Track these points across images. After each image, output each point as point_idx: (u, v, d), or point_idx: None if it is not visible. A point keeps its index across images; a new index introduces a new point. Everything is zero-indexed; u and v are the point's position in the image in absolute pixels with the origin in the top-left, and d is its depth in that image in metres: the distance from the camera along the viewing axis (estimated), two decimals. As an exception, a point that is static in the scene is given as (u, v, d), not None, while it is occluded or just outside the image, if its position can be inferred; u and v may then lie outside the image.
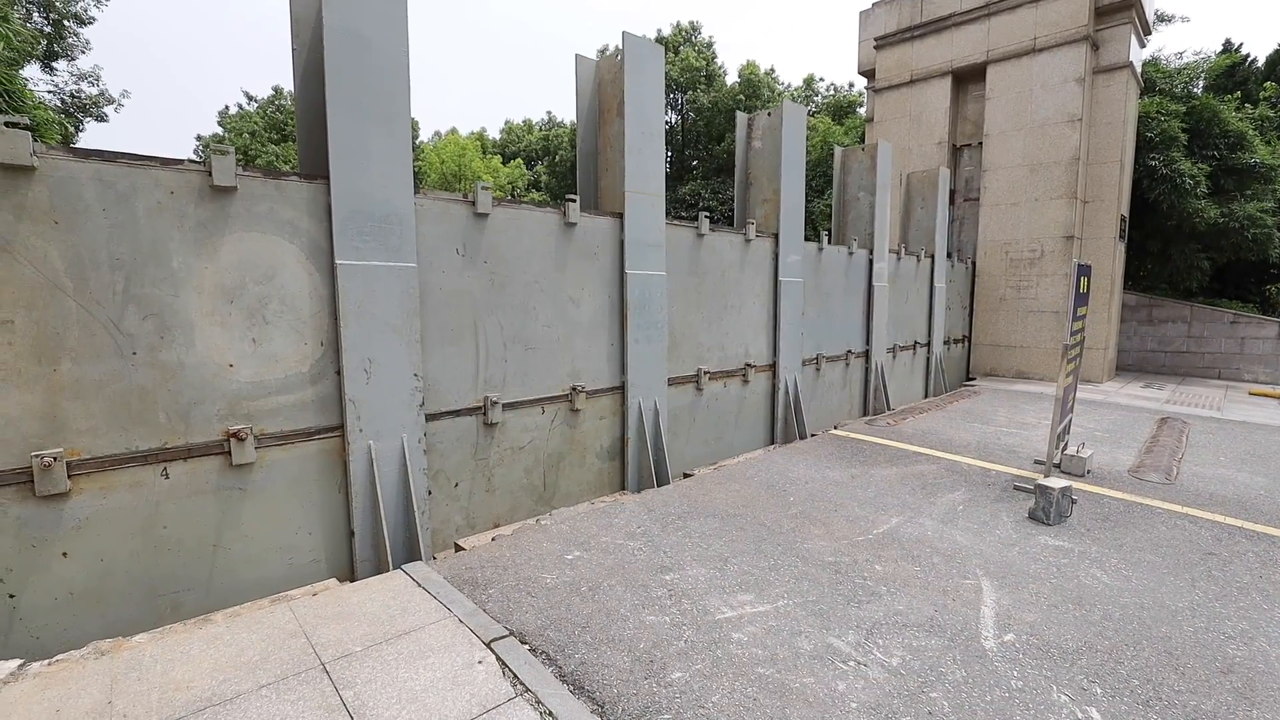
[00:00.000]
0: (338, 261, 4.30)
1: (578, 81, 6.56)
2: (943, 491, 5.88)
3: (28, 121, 3.32)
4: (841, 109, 28.96)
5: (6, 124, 3.24)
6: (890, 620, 3.64)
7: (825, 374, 9.59)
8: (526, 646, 3.29)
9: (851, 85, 31.16)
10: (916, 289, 11.84)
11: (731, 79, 28.38)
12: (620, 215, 6.22)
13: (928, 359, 12.42)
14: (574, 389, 5.92)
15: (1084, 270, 6.20)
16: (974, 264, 13.87)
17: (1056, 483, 5.13)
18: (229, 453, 4.02)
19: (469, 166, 29.36)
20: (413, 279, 4.64)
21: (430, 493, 4.95)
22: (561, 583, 3.97)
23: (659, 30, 29.18)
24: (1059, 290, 12.67)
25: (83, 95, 19.90)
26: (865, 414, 10.63)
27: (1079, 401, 10.37)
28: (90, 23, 19.45)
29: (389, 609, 3.60)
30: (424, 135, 38.86)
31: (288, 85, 34.00)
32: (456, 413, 5.15)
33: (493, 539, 4.77)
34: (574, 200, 5.77)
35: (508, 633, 3.39)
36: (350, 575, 4.64)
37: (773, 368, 8.44)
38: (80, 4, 19.27)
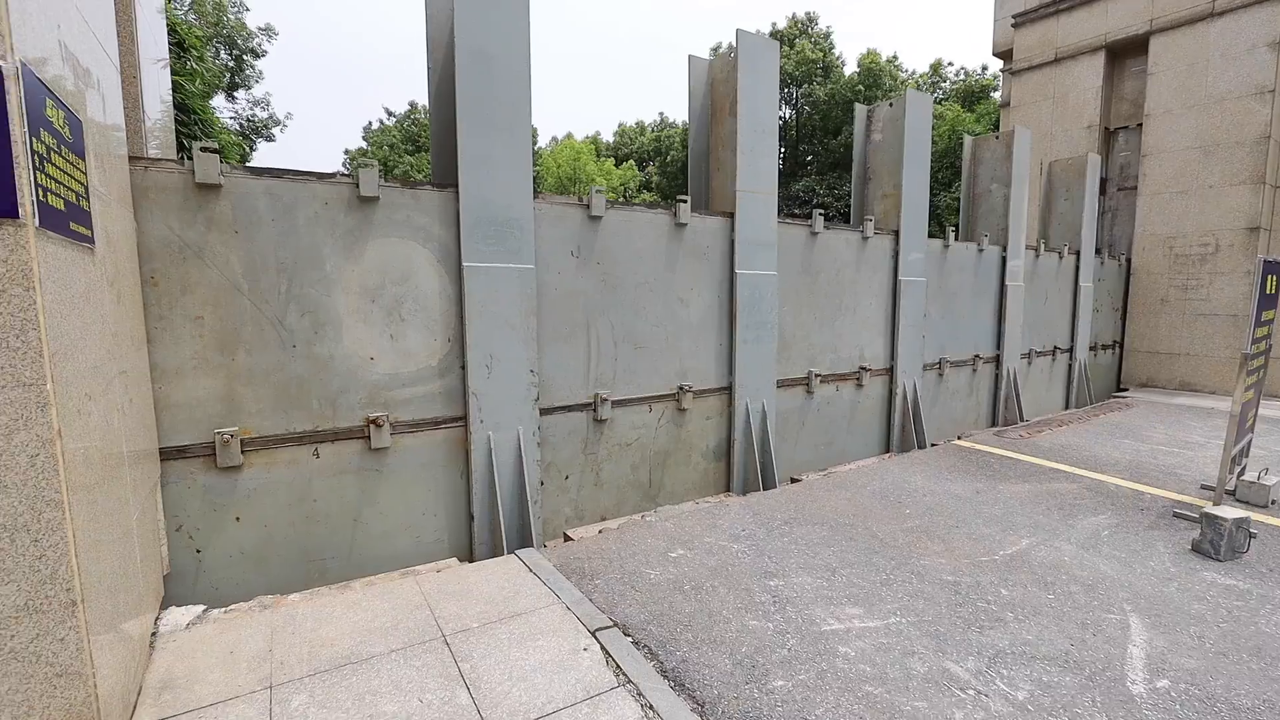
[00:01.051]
0: (464, 264, 4.62)
1: (690, 82, 6.58)
2: (1084, 514, 5.31)
3: (217, 146, 3.86)
4: (972, 95, 26.91)
5: (202, 149, 3.78)
6: (1017, 650, 3.36)
7: (949, 380, 8.97)
8: (629, 639, 3.37)
9: (985, 68, 28.87)
10: (1058, 289, 10.76)
11: (850, 69, 27.23)
12: (731, 215, 6.18)
13: (1069, 366, 11.26)
14: (681, 388, 5.96)
15: (1272, 267, 5.35)
16: (1128, 261, 12.38)
17: (1230, 512, 4.47)
18: (368, 437, 4.44)
19: (583, 170, 30.35)
20: (531, 280, 4.88)
21: (542, 483, 5.19)
22: (665, 579, 4.02)
23: (774, 24, 28.55)
24: (1238, 290, 11.00)
25: (256, 119, 22.71)
26: (993, 424, 9.83)
27: (1262, 420, 8.95)
28: (263, 55, 22.17)
29: (503, 590, 3.82)
30: (542, 141, 40.65)
31: (422, 99, 36.84)
32: (568, 408, 5.35)
33: (600, 531, 4.92)
34: (685, 201, 5.81)
35: (611, 623, 3.48)
36: (469, 556, 4.97)
37: (890, 371, 8.02)
38: (256, 40, 22.04)
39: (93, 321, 2.63)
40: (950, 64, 31.20)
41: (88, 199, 2.68)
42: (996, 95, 26.95)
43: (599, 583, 3.97)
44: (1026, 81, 13.78)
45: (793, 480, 6.85)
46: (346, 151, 36.45)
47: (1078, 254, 10.95)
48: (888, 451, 8.12)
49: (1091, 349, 11.83)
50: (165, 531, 3.87)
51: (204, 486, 4.00)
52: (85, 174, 2.67)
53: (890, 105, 7.99)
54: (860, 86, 25.39)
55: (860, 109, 8.36)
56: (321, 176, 4.20)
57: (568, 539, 5.20)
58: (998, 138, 9.64)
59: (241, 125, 22.19)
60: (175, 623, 3.49)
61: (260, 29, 22.08)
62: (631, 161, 35.78)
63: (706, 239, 6.06)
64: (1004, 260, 9.50)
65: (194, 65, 7.78)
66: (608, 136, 40.43)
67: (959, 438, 8.47)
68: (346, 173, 4.29)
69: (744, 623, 3.56)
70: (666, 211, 5.79)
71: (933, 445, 8.12)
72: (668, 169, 32.17)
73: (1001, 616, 3.70)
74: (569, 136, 38.44)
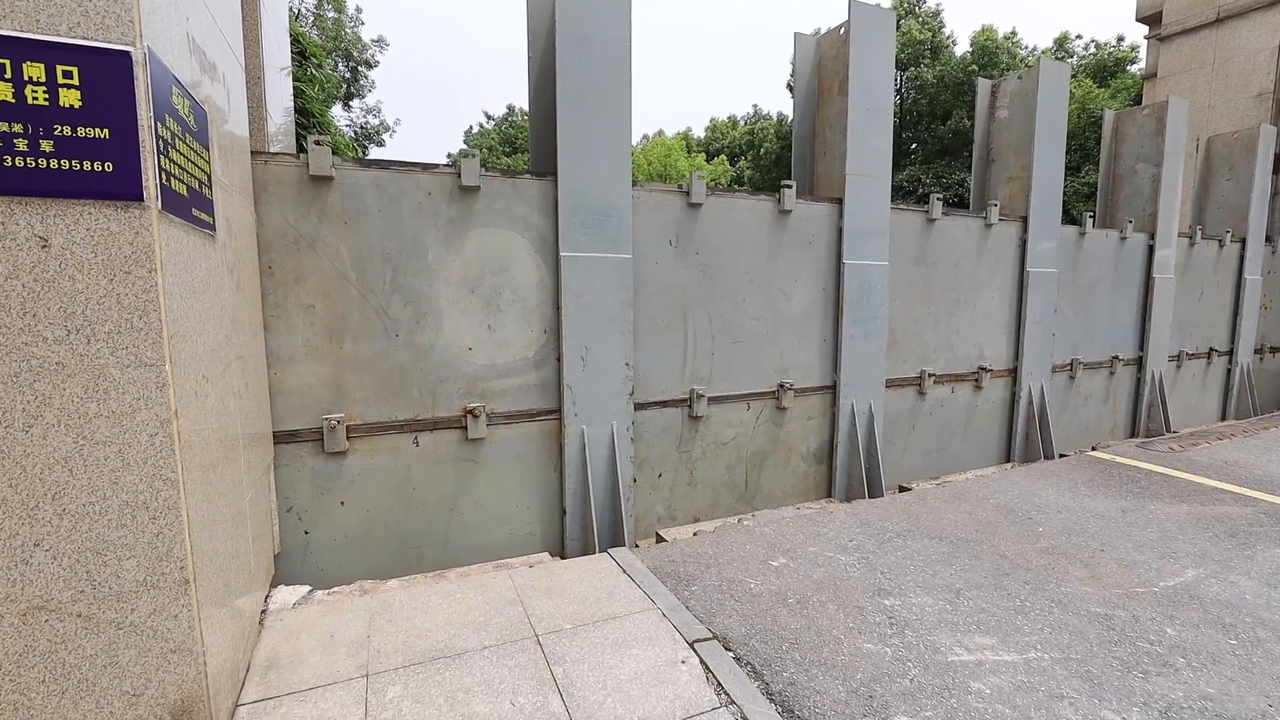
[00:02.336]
0: (561, 254, 4.52)
1: (796, 60, 6.20)
2: (1265, 544, 4.51)
3: (329, 140, 3.95)
4: (1105, 69, 24.34)
5: (315, 142, 3.88)
6: (1196, 705, 2.82)
7: (1081, 383, 8.03)
8: (730, 654, 3.12)
9: (1121, 39, 26.03)
10: (1216, 282, 9.41)
11: (962, 49, 25.37)
12: (839, 201, 5.75)
13: (1229, 371, 9.83)
14: (781, 386, 5.62)
15: None
16: (1308, 250, 10.65)
17: None
18: (465, 427, 4.45)
19: (674, 166, 30.15)
20: (628, 270, 4.72)
21: (635, 480, 5.03)
22: (767, 590, 3.74)
23: (879, 5, 27.08)
24: None
25: (369, 126, 24.19)
26: (1133, 434, 8.72)
27: None
28: (375, 65, 23.57)
29: (596, 591, 3.68)
30: (633, 139, 40.83)
31: (520, 103, 37.95)
32: (663, 404, 5.16)
33: (694, 533, 4.69)
34: (789, 186, 5.46)
35: (711, 635, 3.25)
36: (560, 550, 4.89)
37: (1013, 373, 7.26)
38: (370, 52, 23.47)
39: (212, 307, 2.70)
40: (1078, 37, 28.38)
41: (210, 187, 2.75)
42: (1135, 69, 24.23)
43: (695, 589, 3.75)
44: (1178, 47, 12.18)
45: (901, 489, 6.33)
46: (449, 155, 38.26)
47: (1242, 242, 9.52)
48: (1008, 461, 7.36)
49: (1257, 352, 10.28)
50: (277, 512, 4.03)
51: (312, 470, 4.12)
52: (209, 163, 2.74)
53: (1020, 79, 7.21)
54: (974, 67, 23.55)
55: (983, 84, 7.61)
56: (425, 167, 4.23)
57: (660, 539, 5.02)
58: (1147, 110, 8.52)
59: (355, 132, 23.69)
60: (283, 602, 3.60)
61: (373, 40, 23.50)
62: (723, 156, 35.18)
63: (812, 227, 5.67)
64: (1151, 249, 8.39)
65: (314, 72, 8.24)
66: (699, 132, 40.01)
67: (1093, 449, 7.56)
68: (450, 163, 4.29)
69: (857, 645, 3.22)
70: (769, 198, 5.46)
71: (1063, 456, 7.28)
72: (761, 162, 31.36)
73: (1170, 661, 3.14)
74: (660, 134, 38.38)
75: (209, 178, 2.74)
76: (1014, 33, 25.69)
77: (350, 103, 23.35)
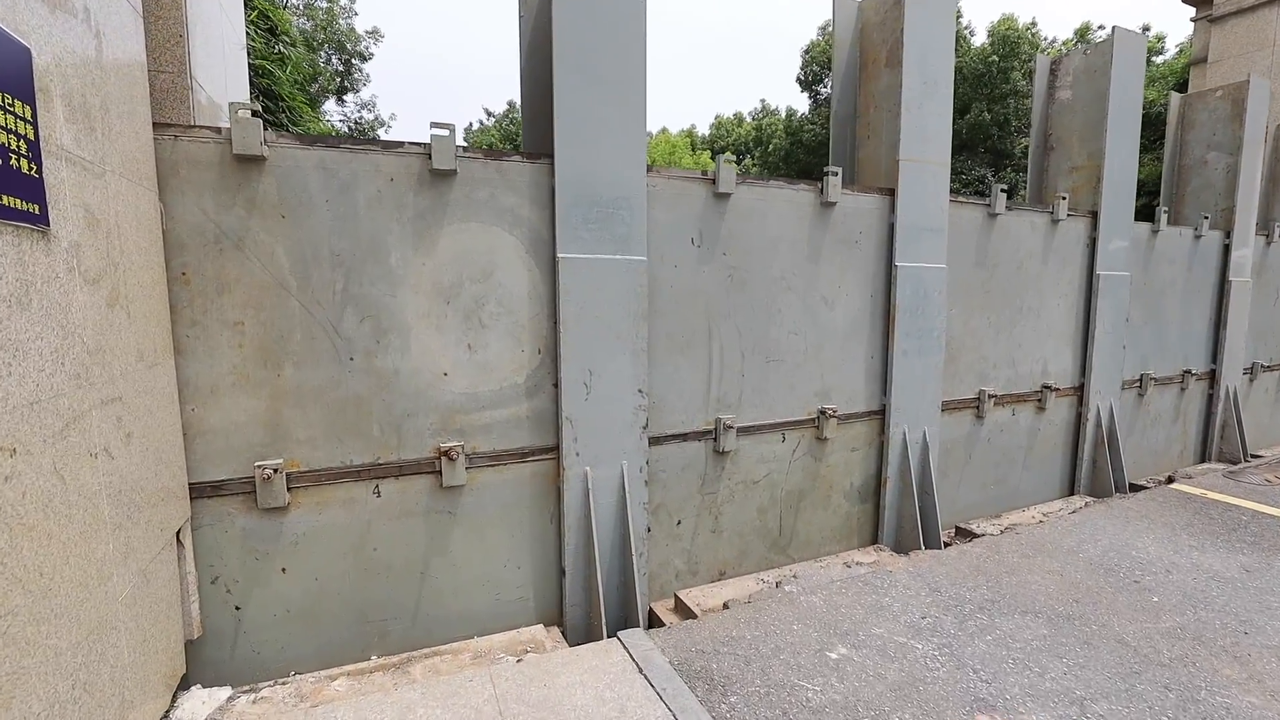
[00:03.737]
0: (559, 255, 3.63)
1: (835, 28, 5.29)
2: None
3: (258, 108, 3.06)
4: (1132, 61, 23.26)
5: (240, 109, 2.99)
6: None
7: (1150, 401, 7.10)
8: (793, 818, 2.23)
9: (1146, 29, 24.98)
10: (1291, 286, 8.46)
11: (980, 40, 24.39)
12: (890, 192, 4.84)
13: (1302, 384, 8.87)
14: (822, 412, 4.72)
15: None
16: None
17: None
18: (439, 472, 3.56)
19: (679, 165, 29.25)
20: (641, 275, 3.83)
21: (650, 530, 4.13)
22: (830, 702, 2.83)
23: (891, -4, 26.06)
24: None
25: (363, 121, 23.32)
26: (1204, 458, 7.79)
27: None
28: (370, 58, 22.70)
29: (603, 705, 2.78)
30: (637, 135, 39.84)
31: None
32: (683, 437, 4.26)
33: (724, 604, 3.79)
34: (834, 173, 4.55)
35: (763, 783, 2.35)
36: (559, 618, 4.01)
37: (1079, 391, 6.34)
38: (364, 44, 22.60)
39: (34, 337, 1.81)
40: (1100, 27, 27.38)
41: (36, 161, 1.86)
42: (1160, 60, 23.21)
43: (735, 700, 2.85)
44: (1232, 29, 11.21)
45: (959, 531, 5.42)
46: (449, 151, 37.21)
47: (1319, 241, 8.57)
48: (1072, 492, 6.44)
49: (1330, 362, 9.32)
50: (197, 587, 3.15)
51: (244, 530, 3.24)
52: (33, 124, 1.85)
53: (1086, 53, 6.29)
54: (994, 57, 22.59)
55: (1043, 60, 6.69)
56: (387, 146, 3.34)
57: (680, 605, 4.12)
58: (1220, 92, 7.58)
59: (349, 127, 22.83)
60: (192, 714, 2.72)
61: (367, 33, 22.63)
62: (729, 154, 34.25)
63: (858, 222, 4.76)
64: (1227, 249, 7.45)
65: (286, 50, 7.35)
66: (704, 130, 39.03)
67: (1171, 479, 6.65)
68: (418, 142, 3.40)
69: (967, 801, 2.32)
70: (809, 188, 4.55)
71: (1135, 488, 6.37)
72: (769, 159, 30.39)
73: (1407, 827, 2.23)
74: (663, 131, 37.44)
75: (32, 146, 1.85)
76: (1034, 23, 24.69)
77: (344, 97, 22.51)
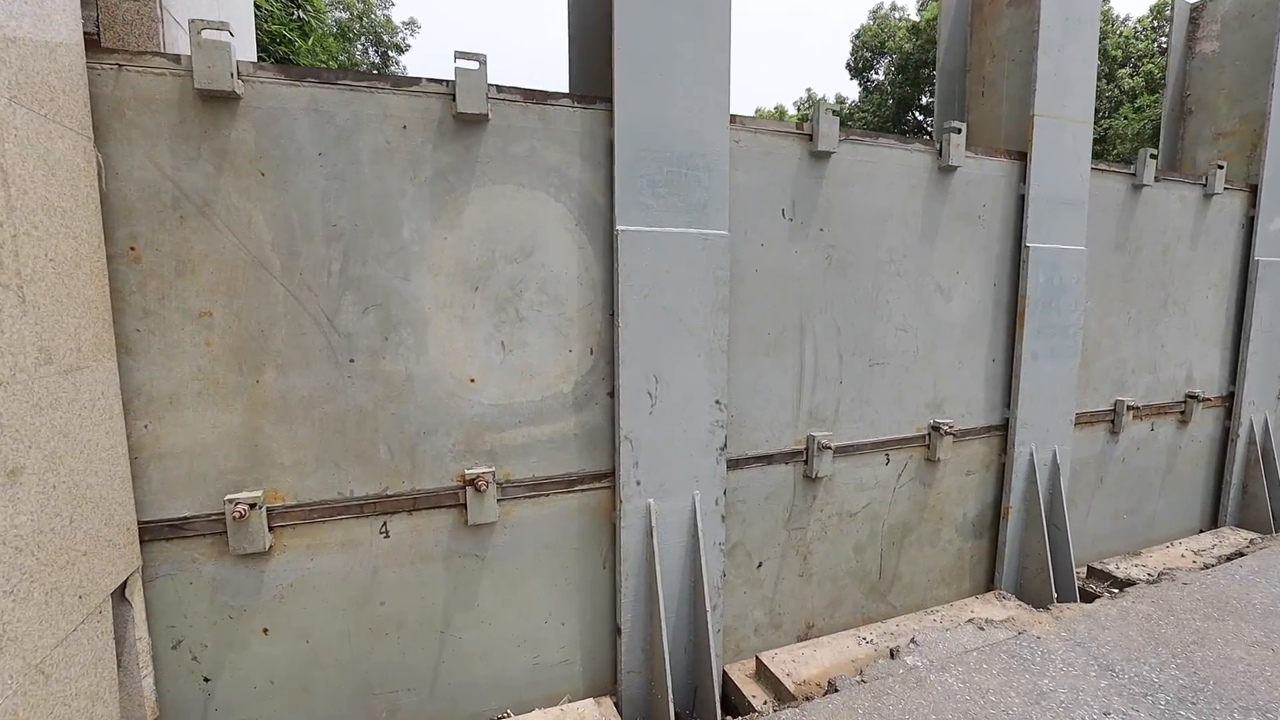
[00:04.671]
0: (619, 228, 2.81)
1: (945, -40, 4.36)
2: None
3: (230, 29, 2.31)
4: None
5: (204, 28, 2.24)
6: None
7: (1304, 413, 5.94)
8: None
9: None
10: None
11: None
12: (1022, 155, 3.90)
13: None
14: (935, 428, 3.81)
15: None
16: None
17: None
18: (464, 505, 2.78)
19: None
20: (722, 255, 2.99)
21: (724, 575, 3.29)
22: None
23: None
24: None
25: (399, 113, 22.90)
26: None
27: None
28: (407, 50, 22.30)
29: None
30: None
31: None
32: (768, 459, 3.41)
33: (830, 686, 2.92)
34: (958, 130, 3.62)
35: None
36: (612, 686, 3.20)
37: (1228, 401, 5.26)
38: (400, 35, 22.21)
39: None
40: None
41: None
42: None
43: None
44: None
45: (1092, 573, 4.44)
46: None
47: None
48: (1215, 523, 5.37)
49: None
50: (151, 655, 2.42)
51: (213, 581, 2.51)
52: None
53: (1240, -6, 5.20)
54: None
55: (1180, 7, 5.60)
56: (398, 84, 2.56)
57: (764, 671, 3.27)
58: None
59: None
60: (128, 846, 1.98)
61: (404, 24, 22.24)
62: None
63: (981, 193, 3.83)
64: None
65: (311, 20, 6.69)
66: (743, 120, 37.79)
67: (1340, 506, 5.49)
68: (437, 79, 2.62)
69: None
70: (925, 149, 3.64)
71: (1299, 517, 5.26)
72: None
73: None
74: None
75: None
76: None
77: (379, 89, 22.10)
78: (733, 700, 3.34)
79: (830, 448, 3.44)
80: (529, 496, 2.91)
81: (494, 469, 2.80)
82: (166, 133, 2.30)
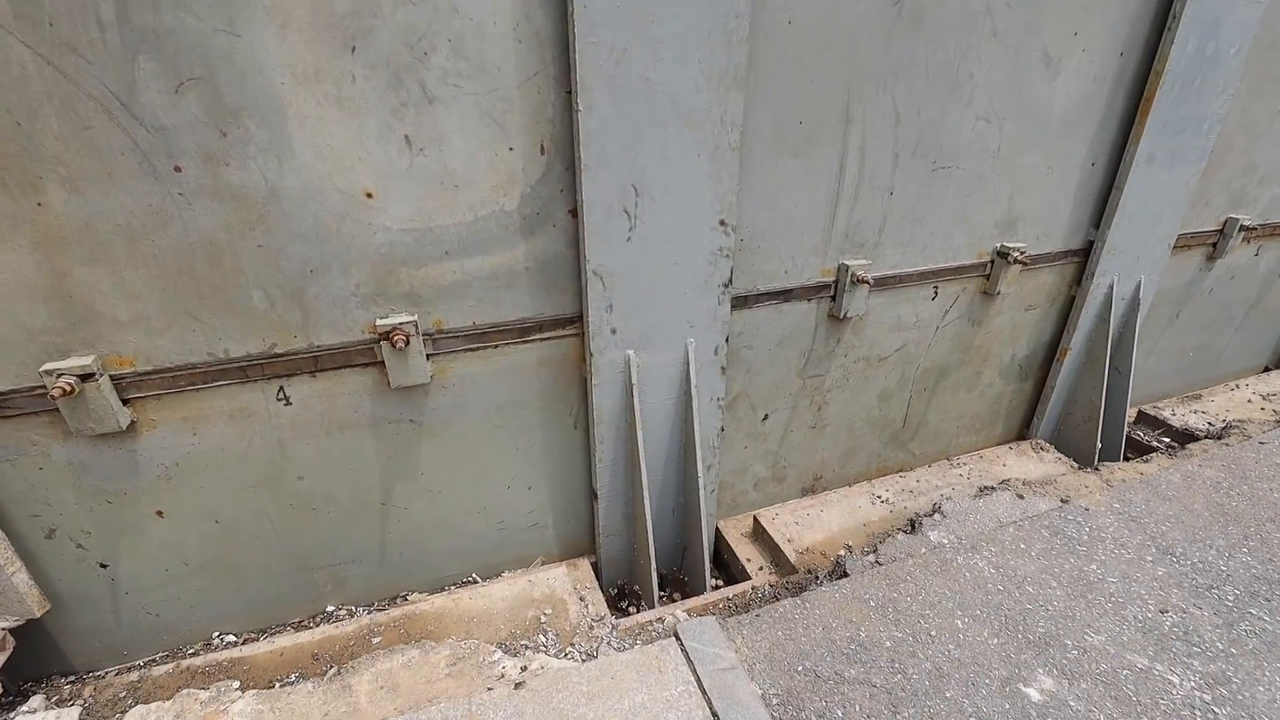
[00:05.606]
0: (572, -57, 1.75)
1: None
2: None
3: None
4: None
5: None
6: None
7: None
8: None
9: None
10: None
11: None
12: None
13: None
14: (1001, 254, 2.99)
15: None
16: None
17: None
18: (382, 363, 2.14)
19: None
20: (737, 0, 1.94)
21: (723, 430, 2.75)
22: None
23: None
24: None
25: None
26: None
27: None
28: None
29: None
30: None
31: None
32: (784, 295, 2.67)
33: (840, 553, 2.51)
34: None
35: None
36: (591, 546, 2.86)
37: (1354, 215, 4.28)
38: None
39: None
40: None
41: None
42: None
43: (886, 802, 1.66)
44: None
45: (1141, 418, 3.91)
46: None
47: None
48: (1287, 354, 4.73)
49: None
50: (12, 550, 1.98)
51: (70, 465, 1.98)
52: None
53: None
54: None
55: None
56: None
57: (761, 533, 2.90)
58: None
59: None
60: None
61: None
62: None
63: (1139, -101, 2.54)
64: None
65: None
66: None
67: None
68: None
69: None
70: None
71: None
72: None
73: None
74: None
75: None
76: None
77: None
78: (725, 559, 3.03)
79: (867, 281, 2.67)
80: (471, 349, 2.25)
81: (416, 317, 2.09)
82: None
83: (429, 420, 2.33)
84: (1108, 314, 3.37)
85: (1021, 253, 2.95)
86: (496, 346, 2.29)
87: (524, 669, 2.00)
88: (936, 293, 3.00)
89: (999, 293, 3.09)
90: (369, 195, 1.91)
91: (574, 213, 2.15)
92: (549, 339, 2.35)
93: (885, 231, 2.71)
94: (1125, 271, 3.30)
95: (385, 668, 2.03)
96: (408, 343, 2.06)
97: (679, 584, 2.98)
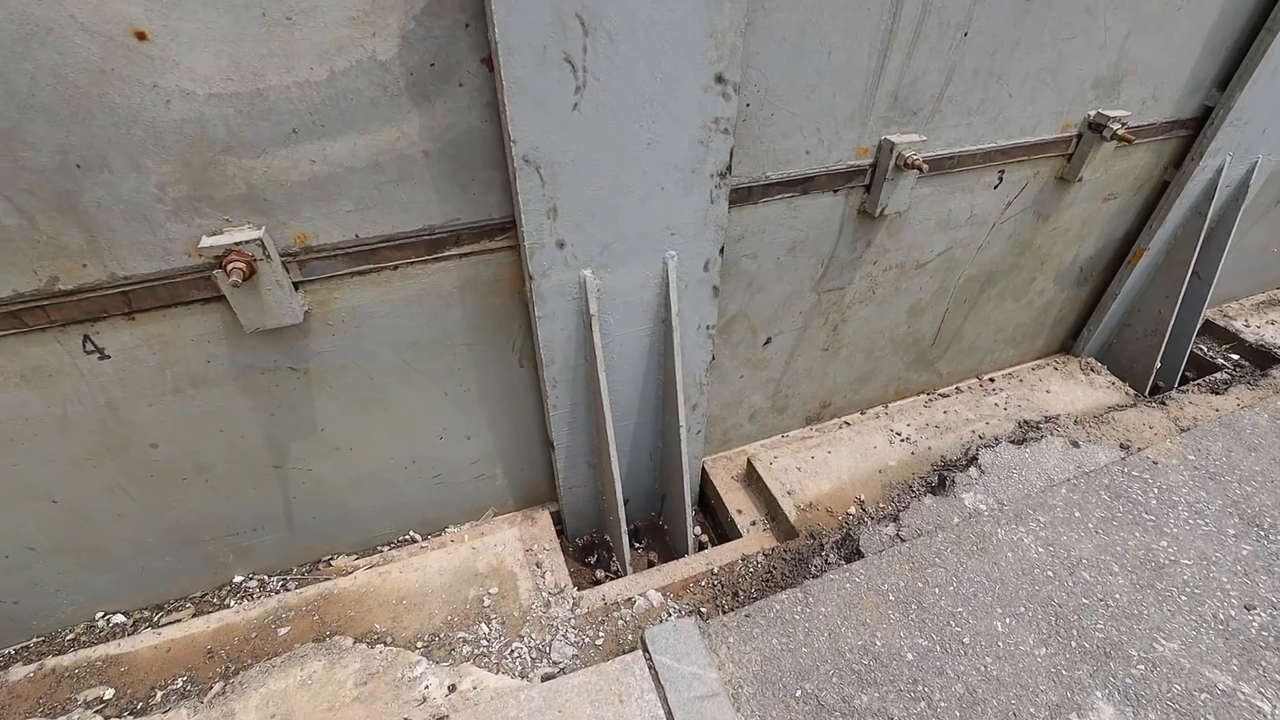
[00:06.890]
0: None
1: None
2: None
3: None
4: None
5: None
6: None
7: None
8: None
9: None
10: None
11: None
12: None
13: None
14: (1095, 125, 2.23)
15: None
16: None
17: None
18: (224, 298, 1.50)
19: None
20: None
21: (713, 359, 2.16)
22: None
23: None
24: None
25: None
26: None
27: None
28: None
29: None
30: None
31: None
32: (803, 185, 1.96)
33: (848, 540, 2.03)
34: None
35: None
36: (552, 492, 2.39)
37: None
38: None
39: None
40: None
41: None
42: None
43: None
44: None
45: (1209, 328, 3.33)
46: None
47: None
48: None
49: None
50: None
51: None
52: None
53: None
54: None
55: None
56: None
57: (754, 478, 2.42)
58: None
59: None
60: None
61: None
62: None
63: None
64: None
65: None
66: None
67: None
68: None
69: None
70: None
71: None
72: None
73: None
74: None
75: None
76: None
77: None
78: (711, 504, 2.58)
79: (918, 165, 1.94)
80: (358, 272, 1.61)
81: (263, 232, 1.42)
82: None
83: (317, 367, 1.73)
84: (1205, 206, 2.66)
85: (1123, 124, 2.19)
86: (396, 267, 1.63)
87: (452, 689, 1.59)
88: (1001, 179, 2.28)
89: (1081, 179, 2.37)
90: (140, 36, 1.17)
91: (489, 62, 1.40)
92: (471, 254, 1.69)
93: (948, 93, 1.94)
94: (1245, 148, 2.54)
95: (279, 688, 1.62)
96: (251, 270, 1.40)
97: (658, 533, 2.57)
